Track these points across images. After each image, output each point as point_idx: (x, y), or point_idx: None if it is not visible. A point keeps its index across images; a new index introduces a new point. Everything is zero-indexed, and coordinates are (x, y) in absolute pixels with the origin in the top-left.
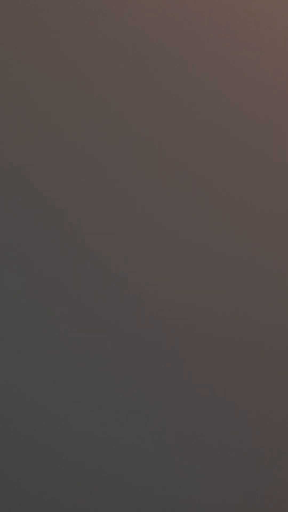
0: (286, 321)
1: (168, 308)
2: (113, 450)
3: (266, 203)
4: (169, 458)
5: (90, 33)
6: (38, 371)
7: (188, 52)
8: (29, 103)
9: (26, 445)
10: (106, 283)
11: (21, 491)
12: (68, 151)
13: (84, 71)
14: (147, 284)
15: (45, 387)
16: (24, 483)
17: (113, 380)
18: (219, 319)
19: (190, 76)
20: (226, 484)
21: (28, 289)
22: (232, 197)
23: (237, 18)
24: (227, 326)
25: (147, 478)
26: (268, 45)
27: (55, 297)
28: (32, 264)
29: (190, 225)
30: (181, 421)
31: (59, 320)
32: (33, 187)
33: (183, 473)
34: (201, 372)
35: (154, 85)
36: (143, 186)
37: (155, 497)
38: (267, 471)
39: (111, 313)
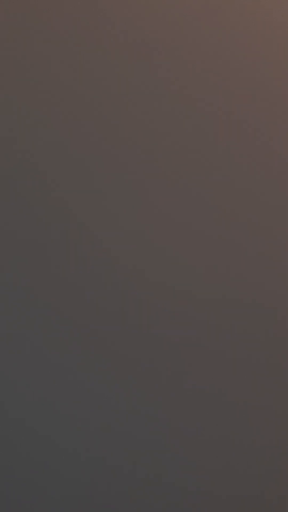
0: (286, 311)
1: (169, 304)
2: (113, 447)
3: (267, 192)
4: (169, 455)
5: (90, 33)
6: (38, 364)
7: (189, 52)
8: (29, 104)
9: (26, 444)
10: (106, 279)
11: (22, 492)
12: (68, 151)
13: (84, 71)
14: (147, 280)
15: (44, 377)
16: (24, 483)
17: (112, 374)
18: (220, 313)
19: (190, 76)
20: (226, 483)
21: (28, 287)
22: (233, 187)
23: (237, 18)
24: (228, 318)
25: (147, 476)
26: (268, 45)
27: (54, 291)
28: (31, 258)
29: (191, 216)
30: (181, 418)
31: (58, 313)
32: (32, 184)
33: (183, 472)
34: (202, 369)
35: (154, 85)
36: (144, 178)
37: (155, 497)
38: (267, 469)
39: (111, 306)
